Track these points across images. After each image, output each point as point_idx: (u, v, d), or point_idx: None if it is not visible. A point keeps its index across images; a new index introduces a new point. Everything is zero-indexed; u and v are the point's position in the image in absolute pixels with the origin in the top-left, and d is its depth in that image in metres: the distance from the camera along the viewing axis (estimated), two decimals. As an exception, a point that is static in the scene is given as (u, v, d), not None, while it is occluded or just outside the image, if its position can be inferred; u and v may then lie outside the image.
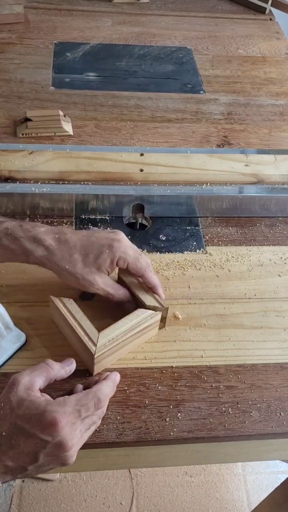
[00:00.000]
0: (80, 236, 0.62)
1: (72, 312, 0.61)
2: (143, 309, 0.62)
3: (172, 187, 0.79)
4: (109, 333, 0.59)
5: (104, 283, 0.62)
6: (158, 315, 0.62)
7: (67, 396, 0.52)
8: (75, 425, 0.51)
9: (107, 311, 0.66)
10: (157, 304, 0.63)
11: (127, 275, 0.65)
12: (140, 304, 0.63)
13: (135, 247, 0.63)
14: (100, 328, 0.60)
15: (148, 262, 0.63)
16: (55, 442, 0.49)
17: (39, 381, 0.53)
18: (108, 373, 0.59)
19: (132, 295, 0.64)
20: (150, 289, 0.64)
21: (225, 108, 1.04)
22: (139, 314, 0.61)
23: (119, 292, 0.63)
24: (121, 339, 0.60)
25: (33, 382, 0.52)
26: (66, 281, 0.62)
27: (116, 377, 0.59)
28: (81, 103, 1.01)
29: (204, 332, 0.66)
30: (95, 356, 0.57)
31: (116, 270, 0.65)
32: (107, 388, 0.55)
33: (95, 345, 0.58)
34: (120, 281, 0.66)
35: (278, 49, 1.25)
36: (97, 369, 0.60)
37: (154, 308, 0.62)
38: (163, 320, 0.65)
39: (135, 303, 0.64)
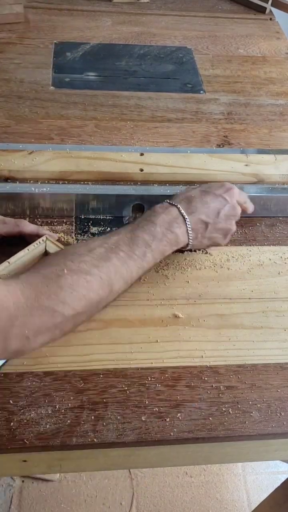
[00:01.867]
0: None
1: None
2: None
3: (172, 187, 0.79)
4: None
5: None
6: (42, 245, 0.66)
7: None
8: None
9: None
10: None
11: None
12: None
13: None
14: None
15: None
16: (232, 204, 0.70)
17: None
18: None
19: None
20: None
21: (225, 108, 1.04)
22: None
23: None
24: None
25: None
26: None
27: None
28: (81, 103, 1.01)
29: (204, 332, 0.66)
30: None
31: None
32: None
33: None
34: None
35: (278, 49, 1.25)
36: None
37: None
38: None
39: None
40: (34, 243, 0.67)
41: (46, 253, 0.67)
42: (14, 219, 0.71)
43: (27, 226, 0.70)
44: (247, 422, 0.59)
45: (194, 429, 0.58)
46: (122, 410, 0.58)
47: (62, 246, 0.68)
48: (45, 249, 0.67)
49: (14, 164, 0.79)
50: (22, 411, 0.57)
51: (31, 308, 0.52)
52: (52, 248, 0.67)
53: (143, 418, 0.58)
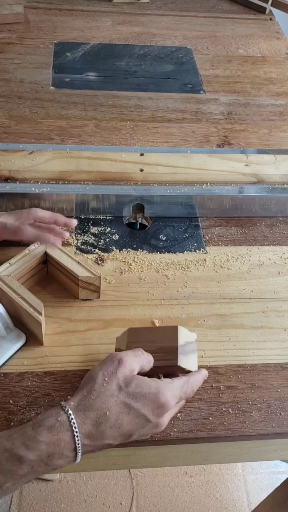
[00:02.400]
0: None
1: (13, 288, 0.62)
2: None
3: (172, 187, 0.79)
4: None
5: None
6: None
7: (174, 379, 0.52)
8: (173, 408, 0.51)
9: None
10: (89, 274, 0.64)
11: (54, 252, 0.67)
12: (72, 277, 0.65)
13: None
14: None
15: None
16: (156, 423, 0.49)
17: (138, 367, 0.51)
18: (202, 369, 0.56)
19: (65, 271, 0.66)
20: None
21: (225, 108, 1.04)
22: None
23: None
24: None
25: (135, 367, 0.51)
26: None
27: (206, 373, 0.56)
28: (81, 103, 1.01)
29: (204, 332, 0.66)
30: (42, 324, 0.61)
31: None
32: (200, 382, 0.55)
33: (40, 314, 0.60)
34: (49, 257, 0.67)
35: (278, 49, 1.25)
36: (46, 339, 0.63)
37: (87, 279, 0.64)
38: (97, 289, 0.66)
39: (68, 277, 0.66)
40: (35, 244, 0.67)
41: (46, 254, 0.67)
42: (15, 223, 0.68)
43: (27, 233, 0.68)
44: (247, 422, 0.59)
45: (194, 429, 0.57)
46: (122, 410, 0.58)
47: (61, 248, 0.68)
48: (45, 249, 0.67)
49: (14, 164, 0.79)
50: (22, 411, 0.57)
51: None
52: (51, 249, 0.67)
53: (143, 418, 0.58)
